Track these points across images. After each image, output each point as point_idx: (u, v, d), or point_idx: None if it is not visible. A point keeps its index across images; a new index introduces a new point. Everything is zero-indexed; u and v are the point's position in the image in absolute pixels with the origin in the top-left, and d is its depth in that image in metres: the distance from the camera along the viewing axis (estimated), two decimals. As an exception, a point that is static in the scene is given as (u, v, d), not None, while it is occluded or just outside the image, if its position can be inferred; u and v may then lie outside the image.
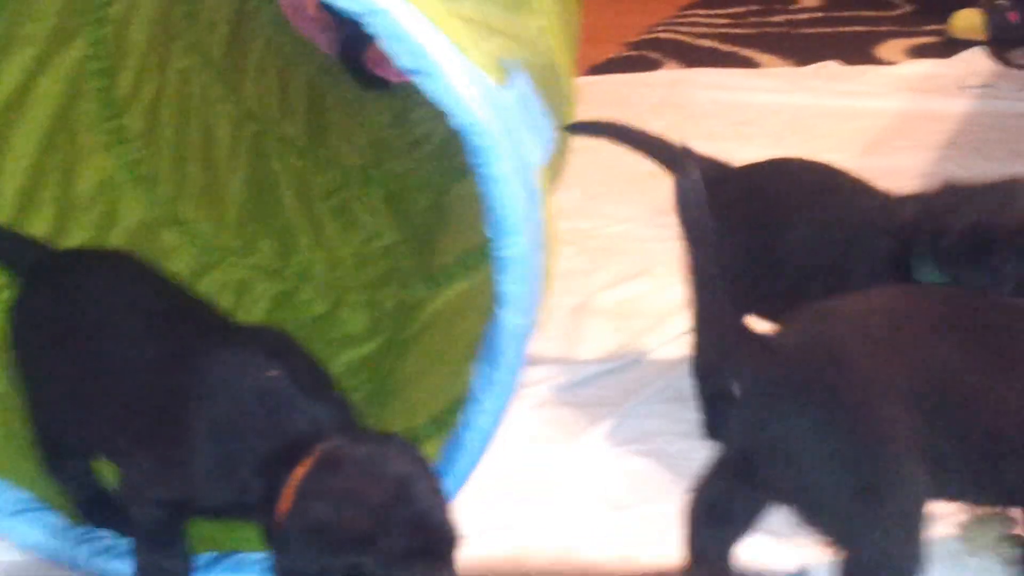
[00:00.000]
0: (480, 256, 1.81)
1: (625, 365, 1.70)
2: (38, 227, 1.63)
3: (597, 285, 1.92)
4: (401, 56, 1.14)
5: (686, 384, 1.64)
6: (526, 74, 1.25)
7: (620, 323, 1.81)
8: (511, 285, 1.22)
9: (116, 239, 1.75)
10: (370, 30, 1.14)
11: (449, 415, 1.42)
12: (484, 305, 1.73)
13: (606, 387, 1.66)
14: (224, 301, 1.82)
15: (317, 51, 2.33)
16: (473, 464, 1.28)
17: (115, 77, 1.81)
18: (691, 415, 1.57)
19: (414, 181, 2.18)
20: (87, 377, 1.32)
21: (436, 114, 2.49)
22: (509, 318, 1.23)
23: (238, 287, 1.86)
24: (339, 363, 1.71)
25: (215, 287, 1.84)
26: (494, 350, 1.25)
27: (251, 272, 1.89)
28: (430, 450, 1.32)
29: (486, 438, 1.27)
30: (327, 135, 2.32)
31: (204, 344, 1.27)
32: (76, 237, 1.69)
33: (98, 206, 1.76)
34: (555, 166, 1.37)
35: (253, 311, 1.83)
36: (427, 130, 2.36)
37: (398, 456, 1.15)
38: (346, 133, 2.37)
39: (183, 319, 1.34)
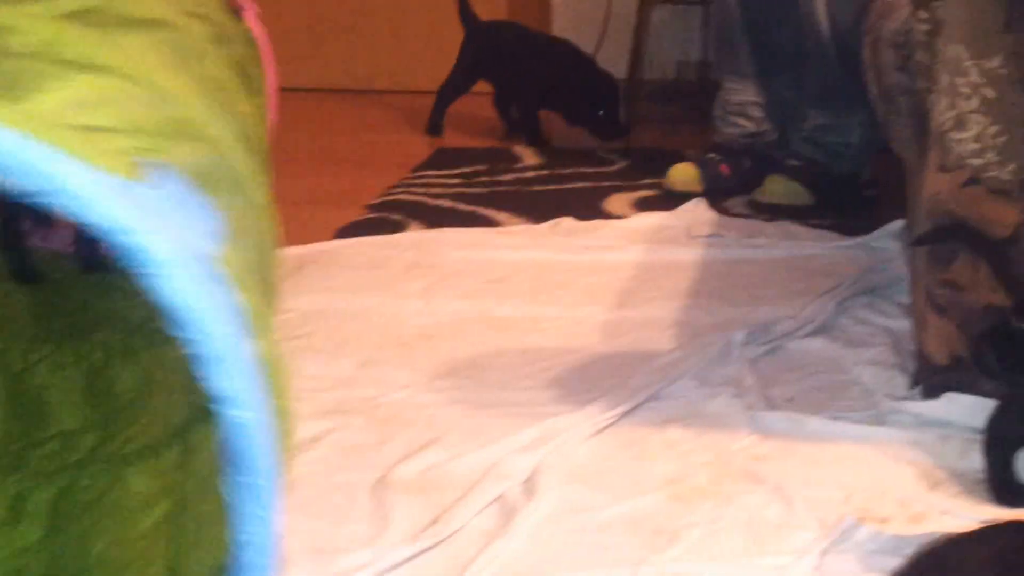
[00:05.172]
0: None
1: (441, 543, 1.55)
2: None
3: (391, 457, 1.76)
4: (24, 179, 0.91)
5: (509, 556, 1.52)
6: (172, 169, 1.05)
7: (424, 497, 1.66)
8: (223, 380, 0.99)
9: None
10: None
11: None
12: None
13: (426, 569, 1.50)
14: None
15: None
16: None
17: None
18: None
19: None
20: None
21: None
22: (237, 414, 1.00)
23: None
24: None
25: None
26: (238, 454, 1.02)
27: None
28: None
29: (268, 550, 1.05)
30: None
31: None
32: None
33: None
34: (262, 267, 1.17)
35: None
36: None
37: None
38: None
39: None
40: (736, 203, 2.89)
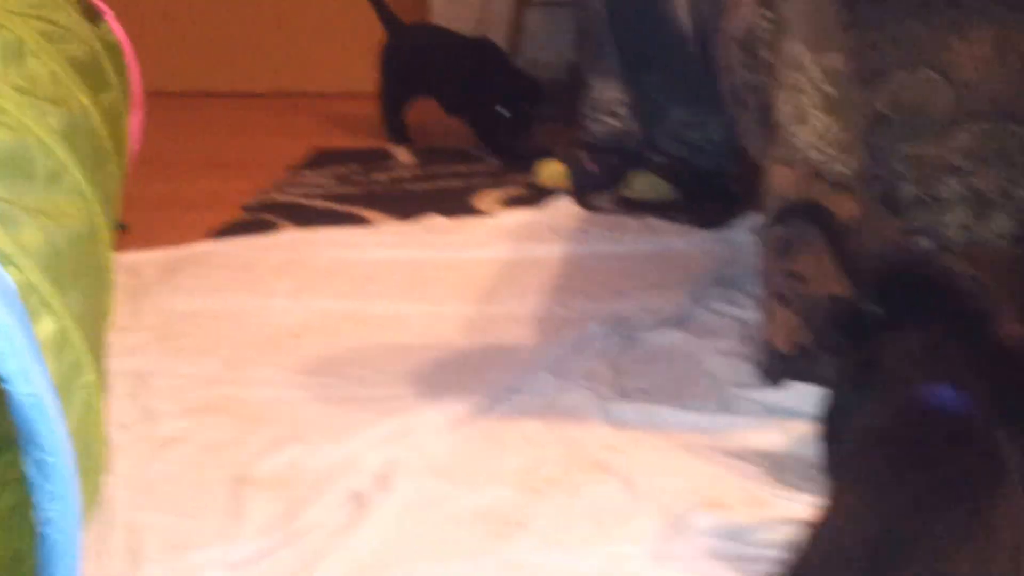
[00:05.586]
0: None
1: (292, 538, 1.54)
2: None
3: (251, 453, 1.75)
4: None
5: (360, 550, 1.51)
6: None
7: (280, 492, 1.65)
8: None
9: None
10: None
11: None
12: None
13: (278, 564, 1.49)
14: None
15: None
16: (73, 559, 1.07)
17: None
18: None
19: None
20: None
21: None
22: (19, 389, 1.00)
23: None
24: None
25: None
26: (29, 432, 1.02)
27: None
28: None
29: (69, 528, 1.06)
30: None
31: None
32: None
33: None
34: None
35: None
36: None
37: None
38: None
39: None
40: (602, 199, 2.90)
